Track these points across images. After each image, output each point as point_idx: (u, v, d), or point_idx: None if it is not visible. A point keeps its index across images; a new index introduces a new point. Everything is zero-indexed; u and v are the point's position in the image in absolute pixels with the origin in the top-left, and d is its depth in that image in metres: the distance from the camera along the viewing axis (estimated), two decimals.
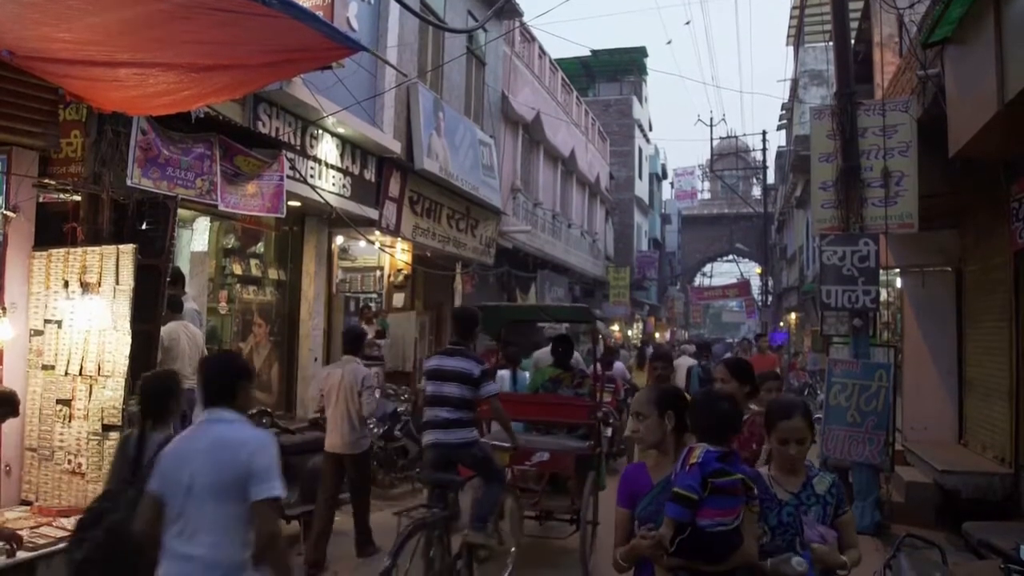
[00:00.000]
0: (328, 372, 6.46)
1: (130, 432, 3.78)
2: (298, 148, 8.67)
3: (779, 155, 32.78)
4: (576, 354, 8.27)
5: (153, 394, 3.64)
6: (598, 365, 7.18)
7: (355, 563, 6.18)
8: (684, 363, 10.46)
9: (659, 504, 2.59)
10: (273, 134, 8.07)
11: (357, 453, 6.16)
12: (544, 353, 8.54)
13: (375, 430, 6.74)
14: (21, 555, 4.05)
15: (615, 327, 28.45)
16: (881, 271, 7.62)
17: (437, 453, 5.23)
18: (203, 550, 2.65)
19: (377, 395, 6.53)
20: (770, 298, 34.01)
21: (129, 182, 5.53)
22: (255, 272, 9.35)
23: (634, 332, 32.46)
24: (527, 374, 8.25)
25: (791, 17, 23.54)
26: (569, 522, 6.24)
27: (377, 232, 10.62)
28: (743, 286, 36.69)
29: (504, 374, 8.03)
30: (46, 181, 5.28)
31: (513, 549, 5.69)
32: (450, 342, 5.71)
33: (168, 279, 5.53)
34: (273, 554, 2.72)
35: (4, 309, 5.01)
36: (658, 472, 2.76)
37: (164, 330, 6.00)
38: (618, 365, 11.91)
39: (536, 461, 5.93)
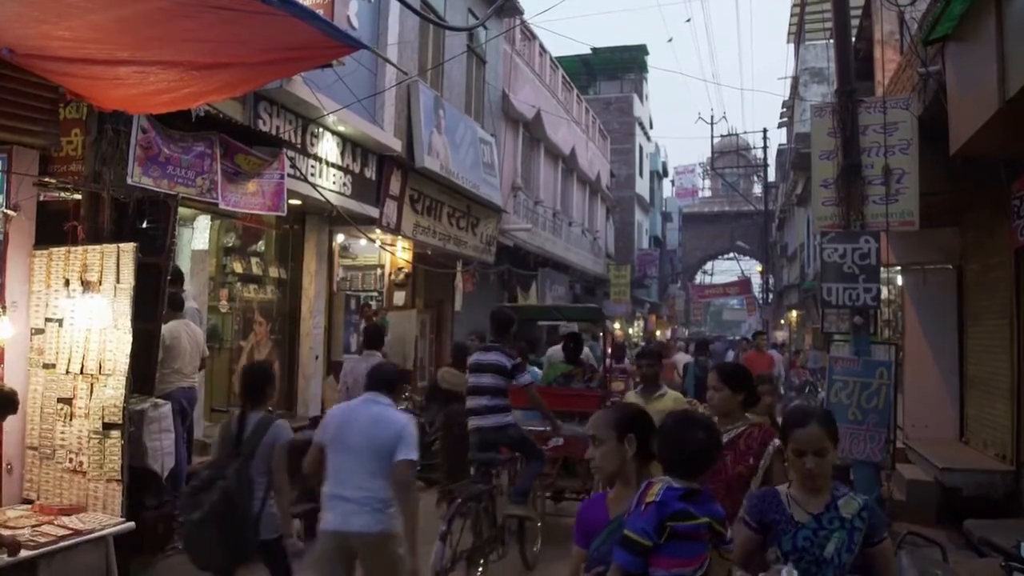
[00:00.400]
0: (353, 364, 6.95)
1: (231, 412, 4.47)
2: (299, 146, 8.66)
3: (780, 153, 32.76)
4: (587, 349, 8.96)
5: (252, 382, 4.30)
6: (609, 359, 7.89)
7: None
8: (681, 359, 10.57)
9: (612, 544, 2.22)
10: (274, 132, 8.07)
11: None
12: (556, 350, 9.11)
13: None
14: (23, 554, 4.05)
15: (616, 325, 28.46)
16: (882, 269, 7.60)
17: (479, 436, 5.80)
18: (359, 493, 3.73)
19: None
20: (771, 296, 34.02)
21: (130, 180, 5.53)
22: (256, 270, 9.35)
23: (635, 330, 32.46)
24: (537, 370, 8.62)
25: (792, 15, 23.53)
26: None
27: (378, 230, 10.62)
28: (744, 284, 36.70)
29: None
30: (47, 180, 5.28)
31: (539, 524, 6.34)
32: (488, 340, 6.51)
33: (168, 277, 5.54)
34: (409, 496, 3.84)
35: (5, 308, 5.01)
36: (617, 505, 2.38)
37: (166, 329, 6.00)
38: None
39: (552, 446, 6.30)
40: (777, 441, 3.16)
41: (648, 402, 4.79)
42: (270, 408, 6.82)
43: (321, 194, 8.59)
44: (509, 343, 6.27)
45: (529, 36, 18.13)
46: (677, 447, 2.27)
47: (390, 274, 11.52)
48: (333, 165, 9.45)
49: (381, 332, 7.35)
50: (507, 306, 7.74)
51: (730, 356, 14.12)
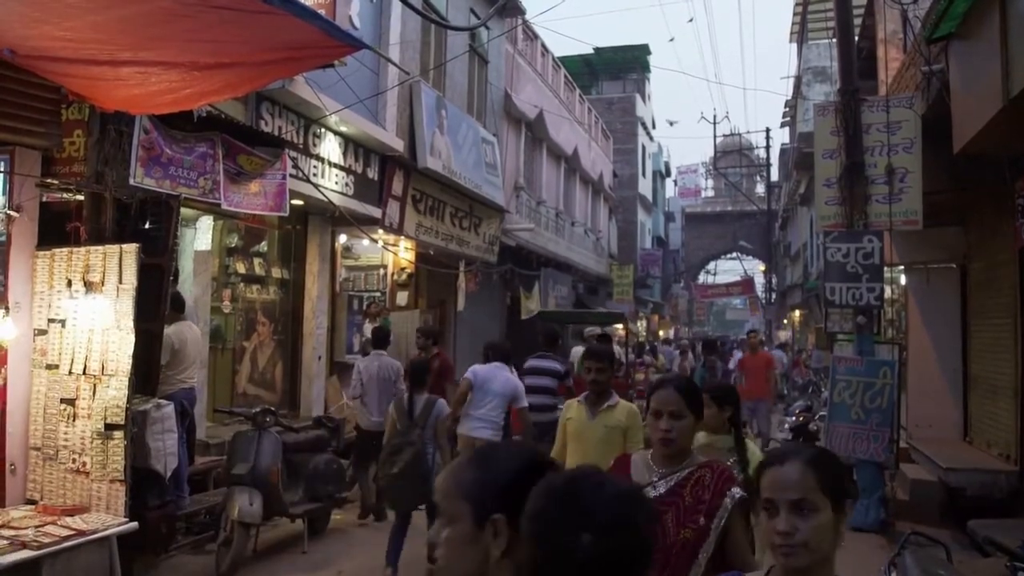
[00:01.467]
0: (366, 364, 7.58)
1: (402, 394, 6.02)
2: (301, 147, 8.67)
3: (783, 152, 32.72)
4: (615, 346, 11.30)
5: (416, 372, 5.91)
6: (631, 355, 11.09)
7: (359, 561, 6.20)
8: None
9: None
10: (276, 133, 8.07)
11: None
12: (579, 350, 10.91)
13: None
14: (26, 554, 4.06)
15: (618, 325, 28.42)
16: (885, 268, 7.60)
17: (537, 429, 6.72)
18: (488, 416, 6.18)
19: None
20: (774, 295, 33.97)
21: (132, 181, 5.53)
22: (258, 271, 9.35)
23: (638, 329, 32.41)
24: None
25: (794, 13, 23.49)
26: None
27: (380, 230, 10.62)
28: (747, 284, 36.67)
29: None
30: (49, 181, 5.28)
31: None
32: (541, 349, 8.03)
33: (171, 277, 5.54)
34: (527, 429, 6.29)
35: (8, 309, 5.01)
36: None
37: (173, 332, 6.02)
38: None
39: None
40: (738, 490, 2.37)
41: (595, 415, 4.00)
42: (272, 408, 6.87)
43: (323, 194, 8.58)
44: (558, 352, 8.06)
45: (531, 36, 18.12)
46: (557, 552, 1.14)
47: (392, 274, 11.52)
48: (335, 165, 9.45)
49: (387, 333, 8.11)
50: (545, 311, 10.64)
51: (737, 356, 13.72)
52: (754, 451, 3.35)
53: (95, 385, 4.95)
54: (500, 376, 6.29)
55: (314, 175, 8.82)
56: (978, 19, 5.65)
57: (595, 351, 4.58)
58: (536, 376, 7.36)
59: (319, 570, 5.98)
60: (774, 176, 34.33)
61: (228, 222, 8.53)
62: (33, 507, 4.90)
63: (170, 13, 3.44)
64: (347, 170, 9.73)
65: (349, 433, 7.84)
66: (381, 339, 7.86)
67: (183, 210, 6.01)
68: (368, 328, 10.55)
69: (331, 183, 9.28)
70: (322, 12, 6.94)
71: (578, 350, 10.47)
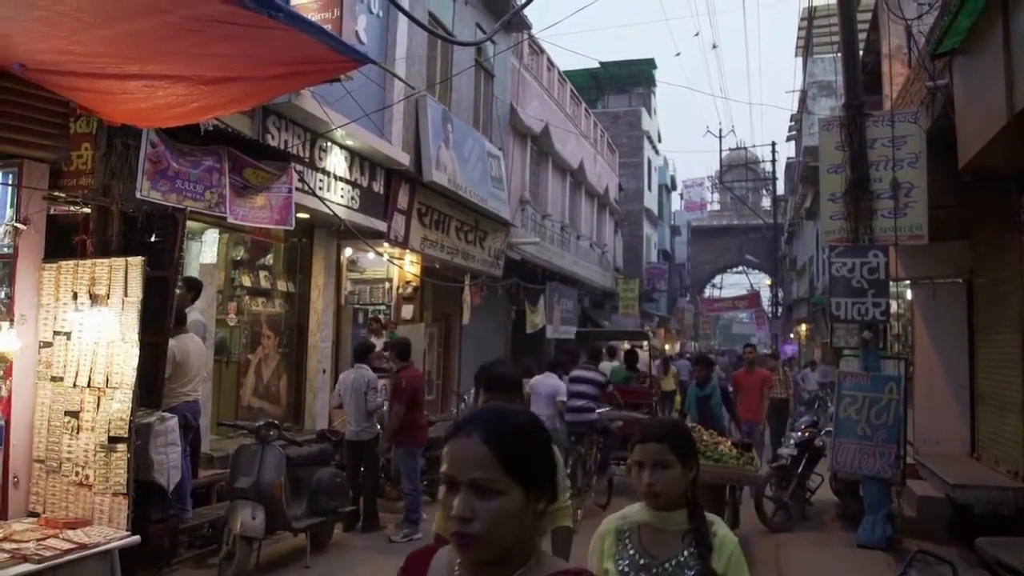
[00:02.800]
0: (343, 376, 7.94)
1: (465, 395, 8.33)
2: (307, 160, 8.71)
3: (788, 166, 32.75)
4: (642, 355, 12.88)
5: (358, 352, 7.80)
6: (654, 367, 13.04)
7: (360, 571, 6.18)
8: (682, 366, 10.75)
9: None
10: (282, 146, 8.11)
11: (366, 440, 7.56)
12: (607, 365, 11.93)
13: (377, 425, 7.84)
14: (27, 567, 4.05)
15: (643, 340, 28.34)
16: (891, 283, 7.57)
17: (576, 429, 8.63)
18: (539, 411, 7.50)
19: (380, 399, 7.79)
20: (780, 309, 33.87)
21: (138, 194, 5.56)
22: (264, 284, 9.37)
23: (661, 344, 32.31)
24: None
25: (799, 28, 23.57)
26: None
27: (385, 244, 10.64)
28: (753, 297, 36.54)
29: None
30: (56, 194, 5.32)
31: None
32: (585, 362, 9.70)
33: (183, 287, 5.56)
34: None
35: (13, 321, 5.04)
36: None
37: (175, 344, 6.02)
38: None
39: (615, 427, 9.19)
40: None
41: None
42: (276, 421, 6.87)
43: (329, 208, 8.61)
44: (596, 366, 9.66)
45: (537, 50, 18.20)
46: None
47: (398, 288, 11.54)
48: (341, 179, 9.49)
49: (367, 349, 8.36)
50: (582, 331, 14.23)
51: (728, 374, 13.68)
52: (725, 537, 2.10)
53: (99, 398, 4.96)
54: (548, 381, 8.59)
55: (320, 189, 8.85)
56: (982, 35, 5.65)
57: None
58: (580, 384, 8.89)
59: None
60: (780, 190, 34.33)
61: (234, 235, 8.56)
62: (35, 520, 4.90)
63: (178, 28, 3.47)
64: (353, 184, 9.76)
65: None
66: (359, 352, 8.12)
67: (189, 223, 6.04)
68: (379, 344, 10.57)
69: (337, 197, 9.32)
70: (329, 27, 6.99)
71: (605, 365, 11.50)
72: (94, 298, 5.06)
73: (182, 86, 4.27)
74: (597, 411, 8.94)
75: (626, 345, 16.74)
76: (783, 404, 12.05)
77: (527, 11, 15.20)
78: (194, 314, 6.79)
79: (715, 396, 8.25)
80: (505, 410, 1.41)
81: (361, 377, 7.61)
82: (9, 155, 5.05)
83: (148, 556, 5.34)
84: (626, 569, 2.07)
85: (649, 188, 32.79)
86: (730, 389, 10.14)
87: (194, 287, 6.83)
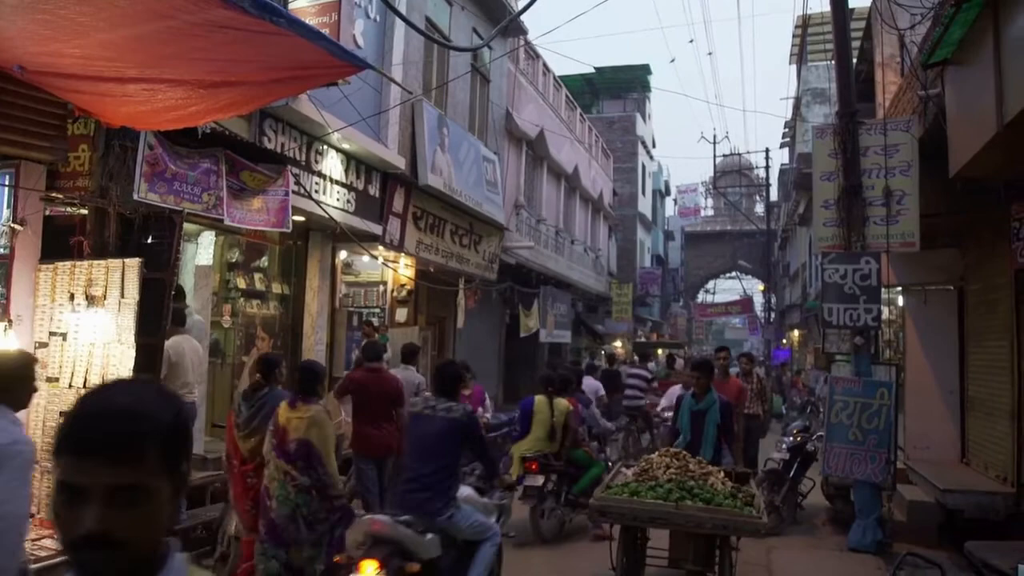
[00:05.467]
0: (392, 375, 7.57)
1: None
2: (303, 163, 8.73)
3: (782, 172, 32.87)
4: (679, 360, 17.38)
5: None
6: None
7: None
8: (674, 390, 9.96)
9: None
10: (279, 149, 8.13)
11: None
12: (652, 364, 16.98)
13: None
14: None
15: (618, 343, 28.43)
16: (883, 289, 7.63)
17: (630, 412, 11.67)
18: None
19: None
20: (773, 315, 33.97)
21: (136, 196, 5.58)
22: (259, 286, 9.38)
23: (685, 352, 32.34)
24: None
25: (793, 36, 23.70)
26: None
27: (381, 247, 10.66)
28: (746, 303, 36.66)
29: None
30: (53, 195, 5.34)
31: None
32: (635, 360, 13.50)
33: (172, 293, 5.57)
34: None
35: (10, 321, 5.05)
36: None
37: (170, 345, 6.03)
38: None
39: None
40: None
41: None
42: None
43: (325, 211, 8.63)
44: (645, 366, 13.33)
45: (533, 55, 18.27)
46: None
47: (392, 291, 11.56)
48: (337, 182, 9.51)
49: (415, 351, 8.30)
50: (639, 341, 20.62)
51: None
52: None
53: None
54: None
55: (316, 192, 8.87)
56: (973, 46, 5.73)
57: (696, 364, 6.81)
58: (633, 378, 12.74)
59: None
60: (773, 196, 34.46)
61: (229, 237, 8.57)
62: (31, 520, 4.89)
63: (178, 32, 3.50)
64: (349, 187, 9.79)
65: (347, 450, 7.84)
66: (409, 354, 8.10)
67: (185, 225, 6.05)
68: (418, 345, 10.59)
69: (333, 200, 9.34)
70: (326, 32, 7.03)
71: (651, 366, 16.17)
72: (91, 299, 5.08)
73: (182, 89, 4.30)
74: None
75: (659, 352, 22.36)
76: (753, 422, 9.23)
77: (523, 17, 15.25)
78: (195, 316, 6.80)
79: (713, 411, 6.39)
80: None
81: (410, 379, 7.61)
82: (6, 156, 5.07)
83: None
84: None
85: (643, 193, 32.88)
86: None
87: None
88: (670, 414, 8.44)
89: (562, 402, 7.60)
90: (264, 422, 5.05)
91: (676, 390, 9.75)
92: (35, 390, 3.39)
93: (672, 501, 4.67)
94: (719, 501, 4.70)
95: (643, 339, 34.85)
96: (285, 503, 4.68)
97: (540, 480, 7.00)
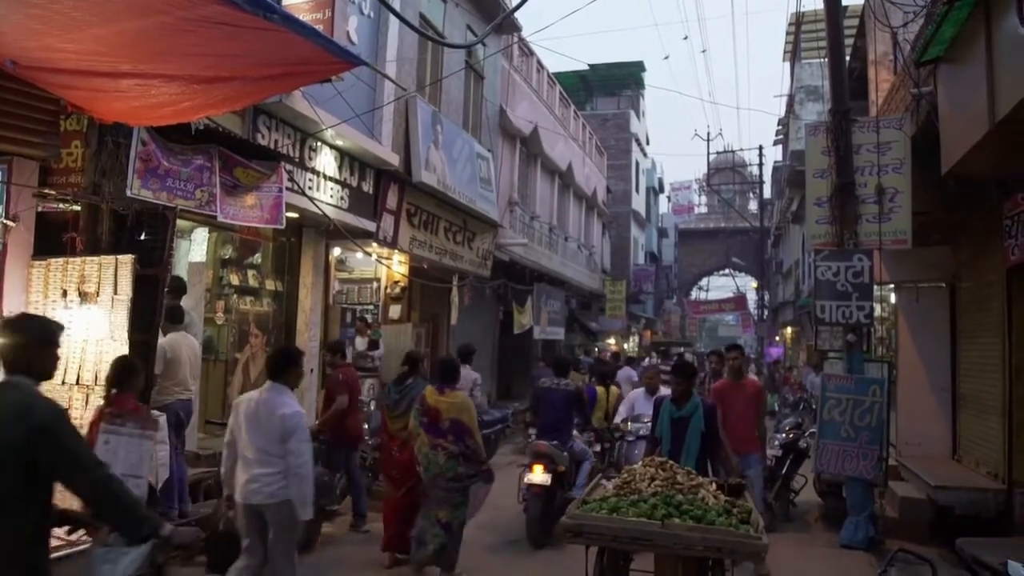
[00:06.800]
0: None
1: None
2: (297, 160, 8.71)
3: (775, 170, 32.97)
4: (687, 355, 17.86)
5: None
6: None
7: (350, 574, 6.20)
8: (633, 394, 9.24)
9: None
10: (272, 146, 8.11)
11: None
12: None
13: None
14: None
15: (611, 340, 28.46)
16: (876, 286, 7.67)
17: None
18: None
19: (479, 397, 8.92)
20: (766, 312, 34.09)
21: (129, 193, 5.56)
22: (252, 283, 9.37)
23: (630, 345, 32.48)
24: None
25: (787, 33, 23.73)
26: None
27: (374, 244, 10.65)
28: (739, 300, 36.77)
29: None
30: (46, 191, 5.32)
31: None
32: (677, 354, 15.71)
33: (168, 288, 5.56)
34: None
35: (2, 318, 5.02)
36: None
37: (166, 342, 6.02)
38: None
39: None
40: None
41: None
42: None
43: (318, 207, 8.62)
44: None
45: (527, 52, 18.26)
46: None
47: (386, 288, 11.55)
48: (331, 179, 9.50)
49: (471, 351, 9.42)
50: (659, 340, 21.59)
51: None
52: None
53: (88, 395, 4.97)
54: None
55: (309, 188, 8.86)
56: (965, 44, 5.75)
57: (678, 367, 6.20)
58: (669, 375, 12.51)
59: None
60: (767, 193, 34.55)
61: (223, 234, 8.55)
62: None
63: (172, 28, 3.49)
64: (342, 183, 9.77)
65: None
66: (466, 354, 9.10)
67: (179, 221, 6.03)
68: (360, 342, 10.57)
69: (326, 196, 9.32)
70: (320, 28, 7.01)
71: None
72: (84, 296, 5.07)
73: (175, 85, 4.28)
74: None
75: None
76: None
77: (517, 13, 15.24)
78: (191, 313, 6.79)
79: (696, 418, 5.73)
80: None
81: (467, 376, 8.09)
82: None
83: None
84: None
85: (637, 190, 32.91)
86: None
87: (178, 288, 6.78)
88: (638, 426, 8.03)
89: (614, 390, 10.27)
90: (410, 406, 6.22)
91: (636, 394, 8.78)
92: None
93: (657, 519, 4.05)
94: (711, 519, 4.12)
95: (638, 336, 35.00)
96: (430, 468, 5.90)
97: (547, 479, 7.05)
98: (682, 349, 23.97)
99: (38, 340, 2.86)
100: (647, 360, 18.95)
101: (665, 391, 7.45)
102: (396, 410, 6.51)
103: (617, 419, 8.88)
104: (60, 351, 2.99)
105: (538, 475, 7.07)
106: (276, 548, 4.44)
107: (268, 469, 4.37)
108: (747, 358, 12.02)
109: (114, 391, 4.61)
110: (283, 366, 4.67)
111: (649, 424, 7.00)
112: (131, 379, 4.66)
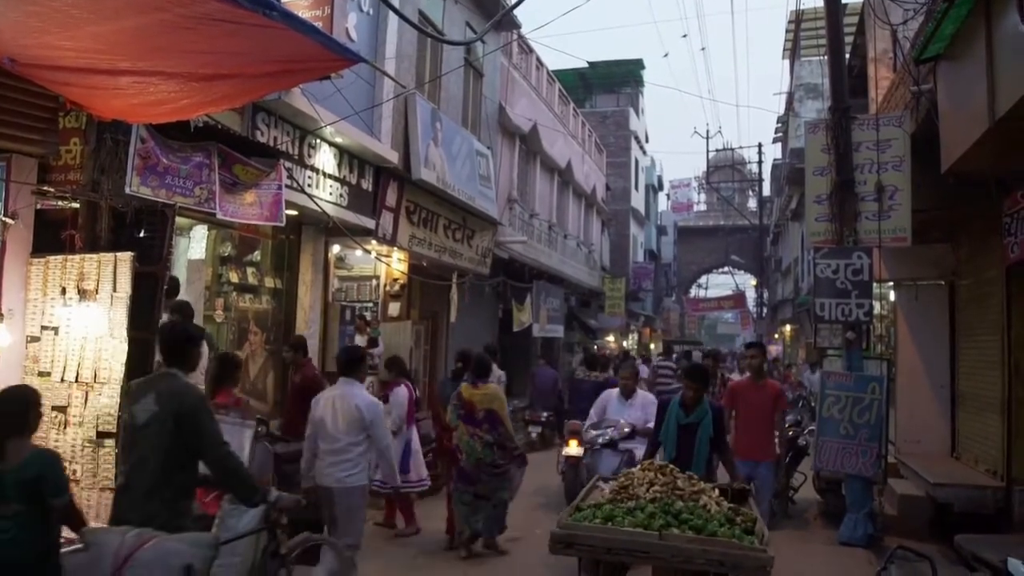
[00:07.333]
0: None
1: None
2: (296, 157, 8.70)
3: (775, 167, 32.96)
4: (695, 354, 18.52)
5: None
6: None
7: None
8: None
9: None
10: (271, 143, 8.09)
11: None
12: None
13: None
14: None
15: (610, 338, 28.47)
16: (875, 284, 7.68)
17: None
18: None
19: None
20: (765, 310, 34.11)
21: (128, 190, 5.55)
22: (252, 280, 9.35)
23: (629, 343, 32.50)
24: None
25: (787, 31, 23.72)
26: None
27: (374, 241, 10.64)
28: (738, 298, 36.82)
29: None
30: (45, 188, 5.30)
31: None
32: (663, 357, 15.99)
33: (164, 287, 5.55)
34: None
35: (1, 315, 5.02)
36: None
37: None
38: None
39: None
40: None
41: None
42: (263, 418, 6.85)
43: (318, 205, 8.61)
44: (671, 358, 14.85)
45: (526, 50, 18.24)
46: None
47: (385, 285, 11.54)
48: (330, 176, 9.49)
49: (495, 350, 10.98)
50: (670, 339, 23.22)
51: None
52: None
53: (87, 393, 4.96)
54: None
55: (309, 186, 8.84)
56: (965, 41, 5.75)
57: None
58: (664, 368, 14.58)
59: None
60: (766, 191, 34.56)
61: (222, 231, 8.54)
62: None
63: (171, 25, 3.48)
64: (342, 181, 9.76)
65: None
66: (491, 353, 9.70)
67: (178, 219, 6.02)
68: (359, 340, 10.56)
69: (325, 194, 9.31)
70: (319, 25, 7.00)
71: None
72: (83, 293, 5.06)
73: (174, 82, 4.27)
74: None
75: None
76: None
77: (516, 11, 15.22)
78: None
79: (706, 424, 5.48)
80: None
81: (495, 373, 8.96)
82: None
83: None
84: None
85: (636, 188, 32.91)
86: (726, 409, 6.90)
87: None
88: (599, 433, 7.35)
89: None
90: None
91: (609, 396, 7.69)
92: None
93: (655, 529, 3.85)
94: (713, 529, 3.91)
95: (637, 334, 35.02)
96: (471, 455, 6.64)
97: (581, 451, 8.04)
98: (688, 348, 24.16)
99: (188, 340, 3.93)
100: (655, 360, 18.00)
101: (642, 393, 7.64)
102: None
103: (586, 423, 7.73)
104: (202, 351, 4.25)
105: (573, 448, 8.40)
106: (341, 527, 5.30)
107: (343, 457, 5.28)
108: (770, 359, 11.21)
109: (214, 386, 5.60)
110: (355, 362, 5.66)
111: (615, 430, 7.23)
112: (230, 375, 5.80)
